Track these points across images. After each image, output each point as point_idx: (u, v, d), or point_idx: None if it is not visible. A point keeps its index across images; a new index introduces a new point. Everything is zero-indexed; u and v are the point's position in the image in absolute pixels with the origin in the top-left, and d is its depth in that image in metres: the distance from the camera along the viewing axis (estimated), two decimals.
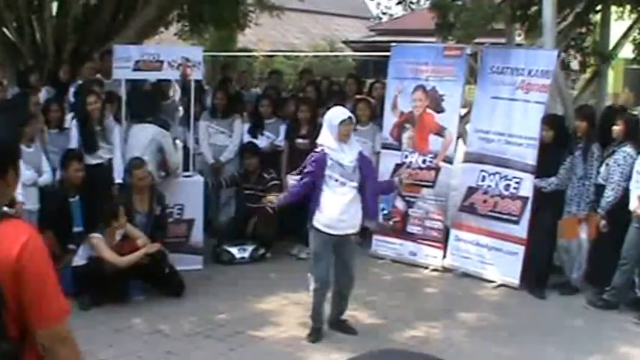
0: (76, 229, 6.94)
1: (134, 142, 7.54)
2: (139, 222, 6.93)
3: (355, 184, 5.65)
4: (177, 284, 6.85)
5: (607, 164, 6.82)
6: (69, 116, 7.59)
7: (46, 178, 6.92)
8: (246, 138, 8.60)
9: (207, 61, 16.12)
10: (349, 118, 5.66)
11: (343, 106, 8.69)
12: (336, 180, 5.60)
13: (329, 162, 5.59)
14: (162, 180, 7.54)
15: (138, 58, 7.61)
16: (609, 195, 6.71)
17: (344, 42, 26.06)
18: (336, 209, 5.62)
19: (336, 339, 5.91)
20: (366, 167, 5.77)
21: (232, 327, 6.08)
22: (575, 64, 11.59)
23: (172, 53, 7.76)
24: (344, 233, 5.71)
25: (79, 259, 6.56)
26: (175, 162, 7.82)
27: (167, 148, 7.61)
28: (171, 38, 13.27)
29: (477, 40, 9.06)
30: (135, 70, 7.62)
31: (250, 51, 20.53)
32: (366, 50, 20.85)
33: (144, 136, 7.51)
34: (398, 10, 12.98)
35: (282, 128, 8.64)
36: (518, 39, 11.56)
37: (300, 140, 8.29)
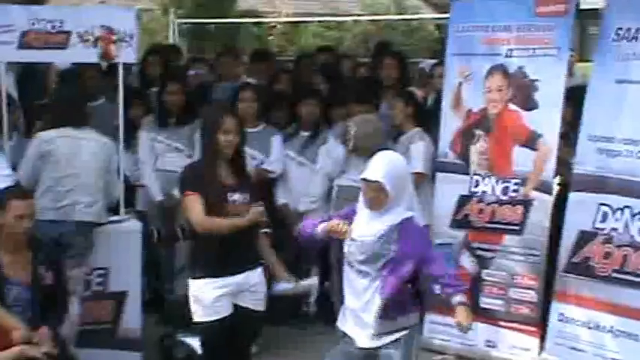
0: None
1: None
2: (15, 299, 4.24)
3: None
4: None
5: None
6: None
7: None
8: None
9: (189, 32, 13.04)
10: None
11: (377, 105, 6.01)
12: None
13: None
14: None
15: (26, 26, 4.88)
16: None
17: None
18: None
19: None
20: None
21: None
22: None
23: (86, 18, 4.98)
24: None
25: None
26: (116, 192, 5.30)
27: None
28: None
29: None
30: (21, 47, 4.91)
31: (259, 16, 15.67)
32: None
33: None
34: None
35: (275, 141, 5.71)
36: None
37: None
